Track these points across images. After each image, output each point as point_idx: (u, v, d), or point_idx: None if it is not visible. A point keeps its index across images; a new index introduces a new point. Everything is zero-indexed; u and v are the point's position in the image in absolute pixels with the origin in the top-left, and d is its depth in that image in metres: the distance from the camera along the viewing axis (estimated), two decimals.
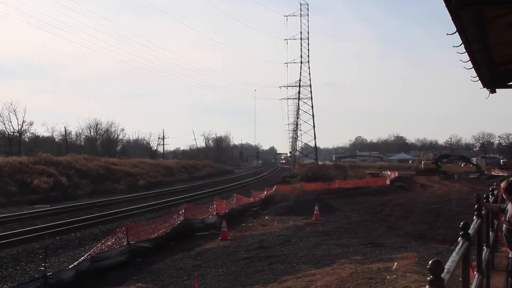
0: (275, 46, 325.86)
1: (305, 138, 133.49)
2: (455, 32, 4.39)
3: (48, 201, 31.00)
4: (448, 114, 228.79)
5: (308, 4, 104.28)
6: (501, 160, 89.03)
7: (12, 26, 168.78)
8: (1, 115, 53.35)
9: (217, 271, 10.80)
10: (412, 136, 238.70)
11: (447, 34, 4.49)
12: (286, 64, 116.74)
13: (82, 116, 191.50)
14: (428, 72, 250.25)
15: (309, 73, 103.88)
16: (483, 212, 5.83)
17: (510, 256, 5.69)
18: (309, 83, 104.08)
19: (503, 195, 5.74)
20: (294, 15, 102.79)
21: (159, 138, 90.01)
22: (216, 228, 17.79)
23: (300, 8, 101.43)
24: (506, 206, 5.65)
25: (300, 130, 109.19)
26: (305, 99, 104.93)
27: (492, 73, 6.41)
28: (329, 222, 18.85)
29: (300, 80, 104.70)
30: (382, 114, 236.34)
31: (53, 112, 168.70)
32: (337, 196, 30.49)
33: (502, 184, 5.74)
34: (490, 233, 7.12)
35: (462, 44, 4.74)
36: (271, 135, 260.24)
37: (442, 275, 2.50)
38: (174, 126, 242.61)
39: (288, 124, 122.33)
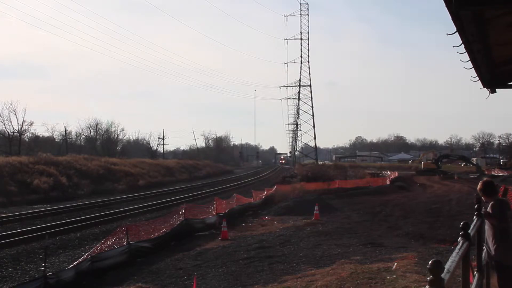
0: (275, 46, 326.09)
1: (305, 138, 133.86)
2: (455, 32, 4.39)
3: (48, 201, 31.00)
4: (448, 114, 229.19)
5: (308, 4, 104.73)
6: (501, 160, 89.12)
7: (12, 26, 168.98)
8: (1, 115, 53.48)
9: (217, 271, 10.79)
10: (412, 136, 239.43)
11: (447, 34, 4.48)
12: (286, 64, 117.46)
13: (82, 116, 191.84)
14: (428, 72, 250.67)
15: (309, 73, 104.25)
16: (483, 212, 5.84)
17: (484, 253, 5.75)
18: (309, 83, 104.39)
19: (482, 196, 5.78)
20: (294, 15, 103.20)
21: (159, 138, 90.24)
22: (216, 228, 17.78)
23: (300, 8, 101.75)
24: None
25: (300, 130, 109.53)
26: (305, 99, 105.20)
27: (492, 73, 6.41)
28: (329, 222, 18.85)
29: (300, 80, 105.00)
30: (382, 114, 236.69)
31: (53, 112, 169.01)
32: (337, 196, 30.48)
33: (478, 186, 5.78)
34: None
35: (462, 44, 4.74)
36: (271, 135, 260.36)
37: (442, 275, 2.51)
38: (174, 126, 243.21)
39: (288, 124, 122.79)
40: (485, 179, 6.10)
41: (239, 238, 15.67)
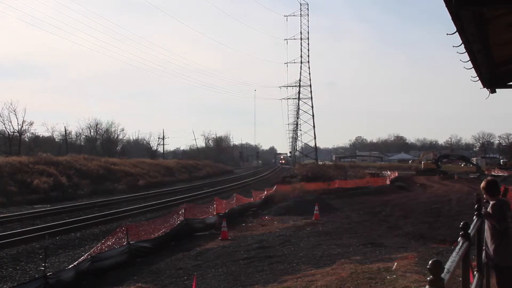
0: (275, 46, 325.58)
1: (305, 138, 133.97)
2: (455, 32, 4.38)
3: (48, 201, 30.99)
4: (448, 114, 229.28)
5: (308, 4, 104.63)
6: (501, 160, 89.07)
7: (12, 26, 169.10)
8: (1, 115, 53.44)
9: (217, 271, 10.79)
10: (412, 136, 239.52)
11: (447, 34, 4.48)
12: (286, 64, 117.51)
13: (82, 116, 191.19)
14: (428, 72, 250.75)
15: (309, 73, 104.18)
16: (483, 212, 5.85)
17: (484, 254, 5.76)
18: (309, 83, 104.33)
19: (484, 195, 5.79)
20: (294, 15, 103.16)
21: (159, 138, 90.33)
22: (216, 228, 17.78)
23: (300, 8, 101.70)
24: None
25: (300, 130, 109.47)
26: (305, 99, 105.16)
27: (492, 73, 6.40)
28: (329, 222, 18.85)
29: (300, 80, 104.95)
30: (382, 114, 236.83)
31: (53, 112, 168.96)
32: (337, 196, 30.50)
33: (482, 184, 5.79)
34: None
35: (462, 44, 4.73)
36: (271, 135, 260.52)
37: (442, 275, 2.50)
38: (174, 126, 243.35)
39: (288, 124, 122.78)
40: (489, 178, 6.12)
41: (239, 238, 15.67)
